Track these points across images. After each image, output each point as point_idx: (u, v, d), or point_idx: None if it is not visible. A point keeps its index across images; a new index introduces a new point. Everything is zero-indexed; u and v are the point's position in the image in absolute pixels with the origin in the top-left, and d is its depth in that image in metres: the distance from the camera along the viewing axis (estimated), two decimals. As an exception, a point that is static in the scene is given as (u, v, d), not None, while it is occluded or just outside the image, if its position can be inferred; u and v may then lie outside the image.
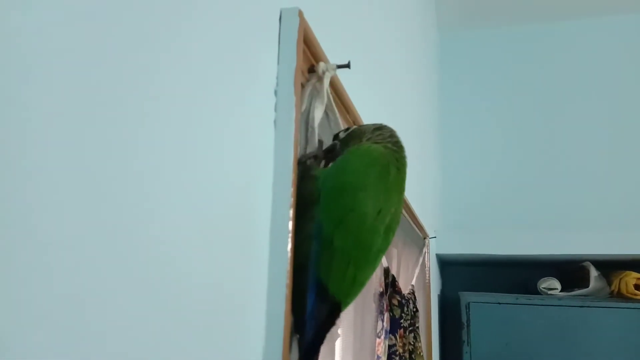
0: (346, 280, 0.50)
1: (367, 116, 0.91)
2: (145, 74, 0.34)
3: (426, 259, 1.74)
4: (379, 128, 0.62)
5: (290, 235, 0.51)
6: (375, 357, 0.97)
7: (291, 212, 0.51)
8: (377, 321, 0.99)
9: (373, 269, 0.54)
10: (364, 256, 0.51)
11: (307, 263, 0.50)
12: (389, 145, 0.58)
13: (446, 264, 2.60)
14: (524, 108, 2.77)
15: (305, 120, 0.63)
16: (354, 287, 0.51)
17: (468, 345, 2.13)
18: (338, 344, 0.94)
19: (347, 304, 0.52)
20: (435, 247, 2.19)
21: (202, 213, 0.40)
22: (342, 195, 0.52)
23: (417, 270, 1.58)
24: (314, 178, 0.54)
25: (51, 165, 0.26)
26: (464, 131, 2.82)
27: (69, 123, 0.28)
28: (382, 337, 1.01)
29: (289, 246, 0.50)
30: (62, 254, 0.27)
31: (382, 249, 0.55)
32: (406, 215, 1.33)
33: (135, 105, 0.33)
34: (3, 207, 0.24)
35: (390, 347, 1.04)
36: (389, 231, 0.54)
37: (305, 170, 0.56)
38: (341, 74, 0.73)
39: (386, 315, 1.05)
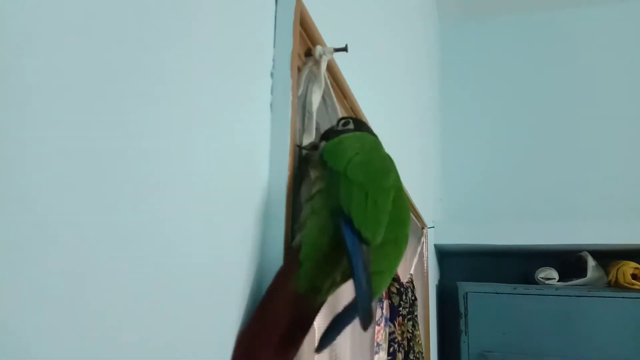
0: (368, 208, 0.46)
1: (365, 104, 0.90)
2: (139, 59, 0.33)
3: (424, 249, 1.74)
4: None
5: (286, 219, 0.50)
6: (375, 344, 0.97)
7: (287, 196, 0.51)
8: (377, 308, 0.99)
9: (388, 197, 0.49)
10: (378, 186, 0.49)
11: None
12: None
13: (444, 254, 2.60)
14: (524, 99, 2.76)
15: (302, 105, 0.62)
16: (376, 213, 0.46)
17: (466, 334, 2.13)
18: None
19: (373, 236, 0.45)
20: (433, 237, 2.19)
21: (197, 198, 0.39)
22: (344, 150, 0.53)
23: (415, 260, 1.58)
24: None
25: (55, 153, 0.26)
26: (463, 121, 2.81)
27: (70, 107, 0.27)
28: (382, 324, 1.01)
29: (285, 231, 0.50)
30: (65, 238, 0.26)
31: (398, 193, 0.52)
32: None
33: (128, 90, 0.32)
34: (6, 203, 0.23)
35: (389, 334, 1.04)
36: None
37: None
38: (339, 61, 0.72)
39: (385, 303, 1.04)
